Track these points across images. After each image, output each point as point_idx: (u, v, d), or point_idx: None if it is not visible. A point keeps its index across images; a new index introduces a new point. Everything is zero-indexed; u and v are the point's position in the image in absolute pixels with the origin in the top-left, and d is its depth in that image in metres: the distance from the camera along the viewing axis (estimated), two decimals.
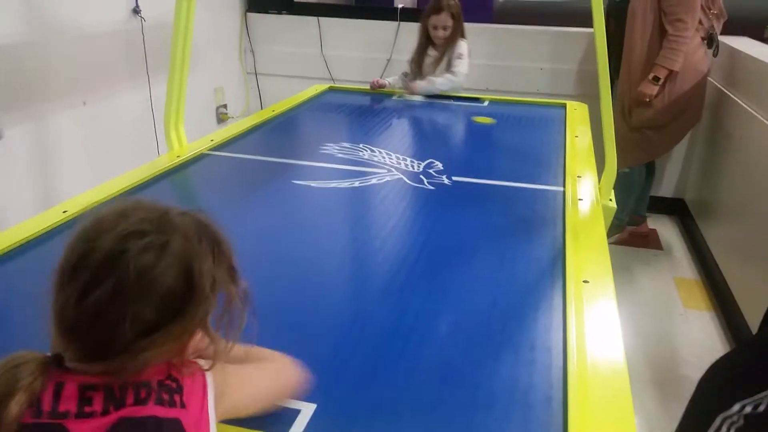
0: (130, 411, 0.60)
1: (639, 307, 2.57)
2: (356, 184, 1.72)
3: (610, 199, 1.67)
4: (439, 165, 1.88)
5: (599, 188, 1.69)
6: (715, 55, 2.82)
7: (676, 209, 3.45)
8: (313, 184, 1.70)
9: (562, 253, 1.29)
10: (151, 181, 1.68)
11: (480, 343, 1.01)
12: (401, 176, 1.79)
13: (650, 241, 3.18)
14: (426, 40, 2.86)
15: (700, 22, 2.68)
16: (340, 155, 1.96)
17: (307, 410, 0.83)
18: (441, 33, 2.79)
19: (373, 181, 1.75)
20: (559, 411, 0.83)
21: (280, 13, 3.86)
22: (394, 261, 1.28)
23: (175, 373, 0.64)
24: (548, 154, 2.03)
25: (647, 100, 2.73)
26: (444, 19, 2.76)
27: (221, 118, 3.73)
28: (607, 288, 1.16)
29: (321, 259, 1.30)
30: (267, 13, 3.86)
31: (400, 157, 1.95)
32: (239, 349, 0.77)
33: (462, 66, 2.79)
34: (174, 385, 0.63)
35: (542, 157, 2.02)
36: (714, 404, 1.52)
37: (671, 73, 2.69)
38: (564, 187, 1.69)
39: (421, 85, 2.77)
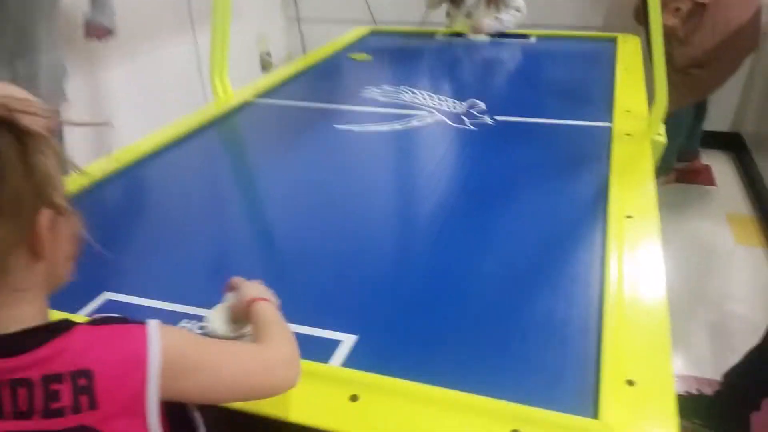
0: (6, 426, 0.52)
1: (689, 243, 2.52)
2: (397, 126, 1.72)
3: (659, 134, 1.63)
4: (482, 105, 1.86)
5: (649, 122, 1.64)
6: None
7: (732, 144, 3.32)
8: (354, 128, 1.71)
9: (606, 189, 1.28)
10: (198, 130, 1.72)
11: (518, 278, 1.03)
12: (443, 117, 1.78)
13: (703, 177, 3.08)
14: None
15: None
16: (381, 98, 1.96)
17: (348, 341, 0.87)
18: None
19: (414, 123, 1.75)
20: (594, 342, 0.85)
21: None
22: (436, 201, 1.30)
23: (82, 352, 0.54)
24: (596, 89, 1.97)
25: (675, 33, 2.55)
26: None
27: (264, 65, 3.75)
28: (650, 223, 1.15)
29: (362, 202, 1.33)
30: None
31: (442, 98, 1.94)
32: (257, 314, 0.76)
33: (519, 2, 2.70)
34: (76, 373, 0.53)
35: (590, 92, 1.98)
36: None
37: (700, 6, 2.48)
38: (611, 122, 1.65)
39: (489, 24, 2.67)
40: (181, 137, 1.66)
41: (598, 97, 1.87)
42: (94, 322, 0.59)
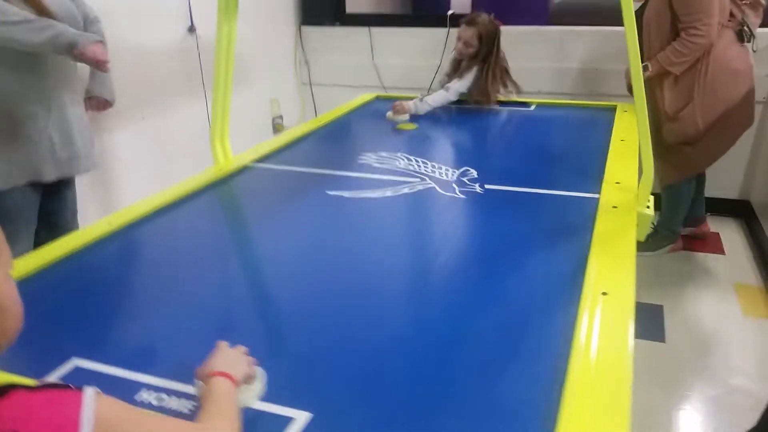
0: None
1: (694, 313, 2.47)
2: (388, 193, 1.75)
3: (648, 206, 1.63)
4: (474, 173, 1.88)
5: (637, 194, 1.64)
6: (754, 49, 2.60)
7: (742, 211, 3.28)
8: (345, 194, 1.74)
9: (585, 263, 1.27)
10: (194, 194, 1.77)
11: (484, 352, 1.01)
12: (434, 185, 1.80)
13: (711, 245, 3.04)
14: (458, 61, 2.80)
15: (732, 15, 2.50)
16: (377, 164, 2.00)
17: (300, 419, 0.86)
18: (461, 47, 2.68)
19: (405, 190, 1.77)
20: (551, 422, 0.83)
21: (333, 25, 3.95)
22: (410, 270, 1.31)
23: (13, 423, 0.55)
24: (589, 159, 1.99)
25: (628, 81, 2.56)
26: (470, 35, 2.65)
27: (277, 128, 3.85)
28: (625, 301, 1.13)
29: (338, 268, 1.34)
30: (321, 25, 3.96)
31: (436, 166, 1.97)
32: (209, 391, 0.79)
33: (460, 85, 2.69)
34: None
35: (583, 162, 1.99)
36: None
37: (689, 84, 2.49)
38: (599, 193, 1.66)
39: (411, 105, 2.59)
40: (177, 201, 1.70)
41: (589, 167, 1.89)
42: (34, 388, 0.60)
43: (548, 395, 0.90)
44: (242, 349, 0.91)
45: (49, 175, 1.94)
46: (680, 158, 2.68)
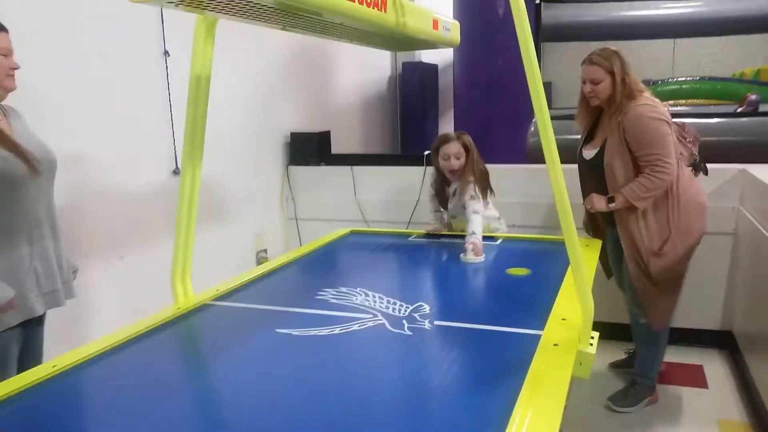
0: None
1: None
2: (336, 330, 1.76)
3: (591, 344, 1.62)
4: (427, 309, 1.90)
5: (579, 332, 1.64)
6: (705, 174, 2.73)
7: (725, 343, 3.23)
8: (294, 332, 1.76)
9: (513, 405, 1.25)
10: (147, 333, 1.79)
11: None
12: (384, 321, 1.82)
13: (693, 379, 2.95)
14: (442, 177, 2.91)
15: (681, 154, 2.62)
16: (333, 300, 2.03)
17: None
18: (454, 162, 2.76)
19: (355, 327, 1.78)
20: None
21: (318, 164, 4.17)
22: (339, 407, 1.29)
23: None
24: (543, 294, 2.00)
25: (588, 207, 2.65)
26: (455, 148, 2.77)
27: (260, 261, 3.93)
28: None
29: (265, 410, 1.33)
30: (307, 165, 4.17)
31: (391, 301, 1.99)
32: None
33: (477, 205, 2.75)
34: None
35: (535, 297, 2.01)
36: None
37: (636, 210, 2.53)
38: (543, 330, 1.66)
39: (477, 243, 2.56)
40: (129, 340, 1.72)
41: (540, 302, 1.90)
42: None
43: None
44: None
45: (40, 310, 1.97)
46: (671, 302, 2.65)
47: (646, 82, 8.17)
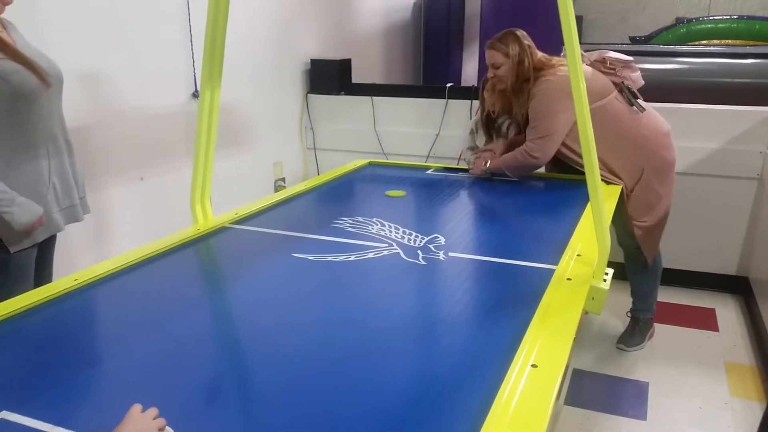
0: None
1: (680, 392, 2.40)
2: (352, 257, 1.78)
3: (604, 280, 1.62)
4: (442, 240, 1.91)
5: (594, 268, 1.64)
6: (632, 102, 2.52)
7: (740, 288, 3.23)
8: (310, 257, 1.78)
9: (522, 335, 1.27)
10: (166, 252, 1.82)
11: (403, 422, 1.01)
12: (399, 251, 1.83)
13: (705, 322, 2.97)
14: (487, 114, 2.83)
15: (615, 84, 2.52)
16: (349, 229, 2.04)
17: None
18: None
19: (370, 255, 1.80)
20: None
21: (338, 93, 4.11)
22: (352, 330, 1.32)
23: None
24: (559, 230, 2.00)
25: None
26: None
27: (278, 190, 3.95)
28: (551, 375, 1.13)
29: (279, 330, 1.36)
30: (327, 94, 4.12)
31: (407, 232, 2.00)
32: None
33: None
34: None
35: (552, 233, 2.00)
36: None
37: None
38: (556, 265, 1.66)
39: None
40: (148, 258, 1.76)
41: (556, 239, 1.89)
42: None
43: None
44: (153, 413, 0.92)
45: (62, 226, 2.01)
46: (657, 235, 2.65)
47: (679, 20, 7.85)
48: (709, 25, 7.65)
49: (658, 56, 3.78)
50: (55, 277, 2.13)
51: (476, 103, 3.20)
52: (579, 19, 8.51)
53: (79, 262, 2.53)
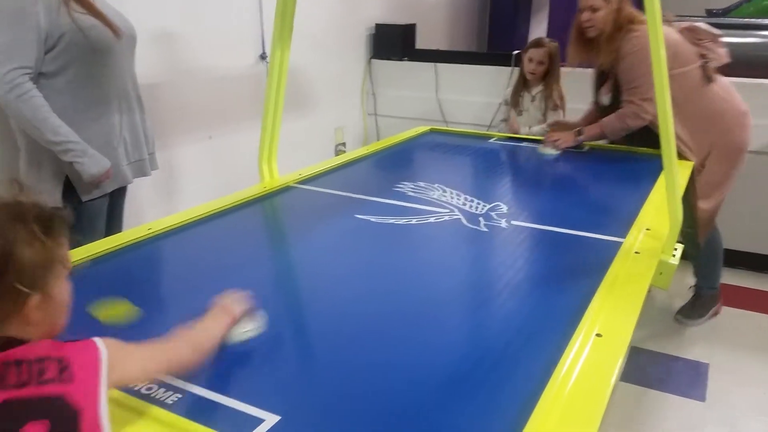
0: (11, 393, 0.68)
1: (741, 376, 2.34)
2: (413, 221, 1.79)
3: (674, 255, 1.58)
4: (504, 208, 1.90)
5: (664, 243, 1.60)
6: (710, 80, 2.45)
7: None
8: (372, 218, 1.80)
9: (587, 304, 1.26)
10: (233, 208, 1.88)
11: (459, 385, 1.03)
12: (461, 217, 1.83)
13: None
14: (523, 80, 3.03)
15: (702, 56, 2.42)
16: (410, 193, 2.05)
17: (270, 420, 0.91)
18: (534, 67, 2.93)
19: (431, 219, 1.80)
20: None
21: (401, 59, 4.07)
22: (411, 295, 1.34)
23: (58, 349, 0.75)
24: (626, 204, 1.94)
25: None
26: (542, 54, 2.91)
27: (339, 154, 3.98)
28: (617, 344, 1.12)
29: (339, 286, 1.40)
30: (389, 59, 4.09)
31: (469, 198, 1.99)
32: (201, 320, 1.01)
33: (558, 117, 2.92)
34: (58, 359, 0.73)
35: (618, 207, 1.96)
36: None
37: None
38: (624, 238, 1.63)
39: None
40: (217, 213, 1.82)
41: (624, 212, 1.85)
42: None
43: (509, 428, 0.90)
44: (244, 293, 1.10)
45: (130, 179, 2.10)
46: (713, 214, 2.56)
47: None
48: None
49: (737, 29, 3.58)
50: (125, 229, 2.23)
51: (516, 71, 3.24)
52: None
53: (147, 217, 2.64)
